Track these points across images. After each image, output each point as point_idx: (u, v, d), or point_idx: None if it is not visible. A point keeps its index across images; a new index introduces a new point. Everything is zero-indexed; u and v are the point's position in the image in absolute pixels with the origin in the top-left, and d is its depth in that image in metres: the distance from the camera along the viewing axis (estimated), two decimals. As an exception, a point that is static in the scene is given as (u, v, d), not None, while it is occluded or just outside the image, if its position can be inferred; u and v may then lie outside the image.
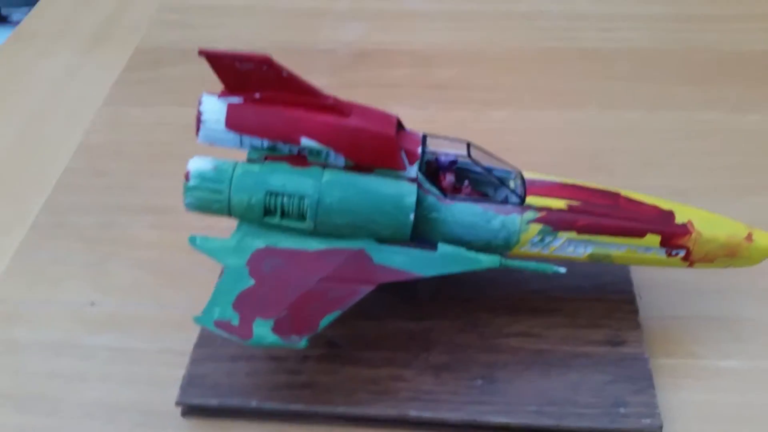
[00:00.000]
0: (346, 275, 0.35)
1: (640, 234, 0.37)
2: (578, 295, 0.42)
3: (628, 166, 0.52)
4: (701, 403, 0.38)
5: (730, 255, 0.38)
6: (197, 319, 0.34)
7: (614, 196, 0.38)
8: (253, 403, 0.37)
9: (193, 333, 0.40)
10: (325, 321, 0.33)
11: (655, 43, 0.64)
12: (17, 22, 1.01)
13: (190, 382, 0.38)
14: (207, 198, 0.35)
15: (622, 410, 0.36)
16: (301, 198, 0.35)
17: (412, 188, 0.35)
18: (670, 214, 0.37)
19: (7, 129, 0.58)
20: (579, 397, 0.37)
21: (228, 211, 0.36)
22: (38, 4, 0.74)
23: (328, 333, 0.39)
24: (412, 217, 0.35)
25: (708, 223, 0.37)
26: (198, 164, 0.35)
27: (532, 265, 0.37)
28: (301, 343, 0.33)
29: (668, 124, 0.56)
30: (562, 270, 0.37)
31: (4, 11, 1.62)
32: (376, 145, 0.35)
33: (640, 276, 0.43)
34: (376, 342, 0.39)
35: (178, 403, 0.37)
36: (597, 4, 0.69)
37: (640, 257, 0.38)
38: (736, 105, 0.57)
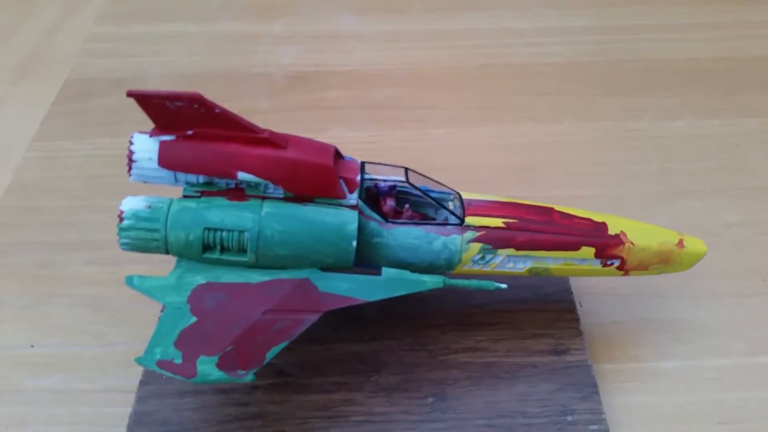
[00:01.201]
0: (291, 305, 0.35)
1: (575, 247, 0.38)
2: (521, 306, 0.43)
3: (561, 177, 0.53)
4: (646, 405, 0.40)
5: (663, 262, 0.39)
6: (139, 360, 0.34)
7: (549, 212, 0.39)
8: None
9: (137, 370, 0.39)
10: (271, 353, 0.33)
11: (581, 55, 0.66)
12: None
13: (137, 420, 0.37)
14: (143, 237, 0.35)
15: (569, 418, 0.37)
16: (241, 232, 0.35)
17: (353, 215, 0.35)
18: (603, 226, 0.39)
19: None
20: (527, 408, 0.38)
21: (165, 249, 0.35)
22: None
23: (277, 361, 0.39)
24: (354, 244, 0.35)
25: (640, 232, 0.39)
26: (131, 204, 0.35)
27: (474, 283, 0.37)
28: (248, 377, 0.33)
29: (597, 135, 0.57)
30: (504, 286, 0.38)
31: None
32: (314, 176, 0.35)
33: (579, 285, 0.45)
34: (326, 367, 0.39)
35: (126, 444, 0.37)
36: (524, 19, 0.71)
37: (577, 269, 0.39)
38: (660, 113, 0.59)
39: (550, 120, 0.59)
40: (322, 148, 0.36)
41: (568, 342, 0.41)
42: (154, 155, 0.35)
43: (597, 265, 0.39)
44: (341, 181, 0.36)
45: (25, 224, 0.51)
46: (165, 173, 0.35)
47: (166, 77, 0.64)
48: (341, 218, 0.35)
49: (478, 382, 0.39)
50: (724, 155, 0.55)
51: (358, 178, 0.36)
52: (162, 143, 0.34)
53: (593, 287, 0.45)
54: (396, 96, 0.62)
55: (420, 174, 0.39)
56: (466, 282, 0.37)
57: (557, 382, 0.39)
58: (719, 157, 0.55)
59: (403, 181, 0.38)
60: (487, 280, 0.38)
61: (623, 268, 0.39)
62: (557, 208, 0.39)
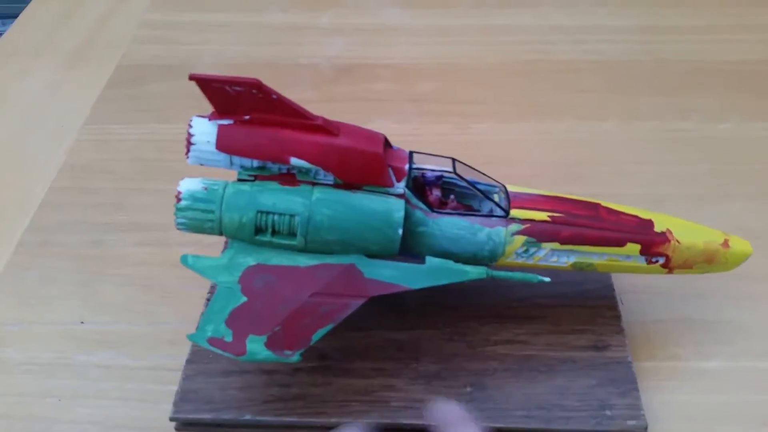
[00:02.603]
0: (337, 289, 0.35)
1: (621, 243, 0.38)
2: (562, 302, 0.43)
3: (605, 176, 0.53)
4: (684, 404, 0.40)
5: (707, 261, 0.39)
6: (191, 337, 0.35)
7: (595, 207, 0.39)
8: (247, 417, 0.37)
9: (184, 349, 0.40)
10: (317, 335, 0.34)
11: (628, 54, 0.66)
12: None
13: (183, 398, 0.38)
14: (198, 218, 0.36)
15: (608, 413, 0.37)
16: (292, 216, 0.35)
17: (400, 204, 0.36)
18: (649, 223, 0.39)
19: (-11, 148, 0.58)
20: (566, 401, 0.38)
21: (219, 230, 0.36)
22: (17, 21, 0.74)
23: (319, 345, 0.39)
24: (400, 231, 0.36)
25: (686, 231, 0.39)
26: (189, 185, 0.36)
27: (517, 275, 0.38)
28: (294, 357, 0.33)
29: (643, 134, 0.57)
30: (547, 279, 0.38)
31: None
32: (364, 164, 0.36)
33: (621, 282, 0.44)
34: (367, 353, 0.40)
35: (172, 419, 0.38)
36: (571, 17, 0.71)
37: (621, 265, 0.39)
38: (707, 114, 0.59)
39: (595, 117, 0.59)
40: (372, 136, 0.37)
41: (609, 338, 0.41)
42: (213, 138, 0.35)
43: (642, 262, 0.39)
44: (389, 169, 0.36)
45: (77, 204, 0.52)
46: (222, 157, 0.36)
47: (215, 66, 0.66)
48: (388, 206, 0.36)
49: (517, 374, 0.39)
50: (770, 158, 0.55)
51: (406, 167, 0.37)
52: (220, 127, 0.35)
53: (635, 285, 0.45)
54: (440, 90, 0.62)
55: (467, 165, 0.39)
56: (509, 274, 0.37)
57: (596, 378, 0.39)
58: (765, 160, 0.54)
59: (450, 172, 0.38)
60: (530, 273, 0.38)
61: (668, 266, 0.39)
62: (603, 203, 0.39)
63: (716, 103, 0.60)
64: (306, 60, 0.66)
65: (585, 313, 0.42)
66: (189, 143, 0.36)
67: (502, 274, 0.37)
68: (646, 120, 0.58)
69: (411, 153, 0.38)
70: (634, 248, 0.38)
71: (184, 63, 0.66)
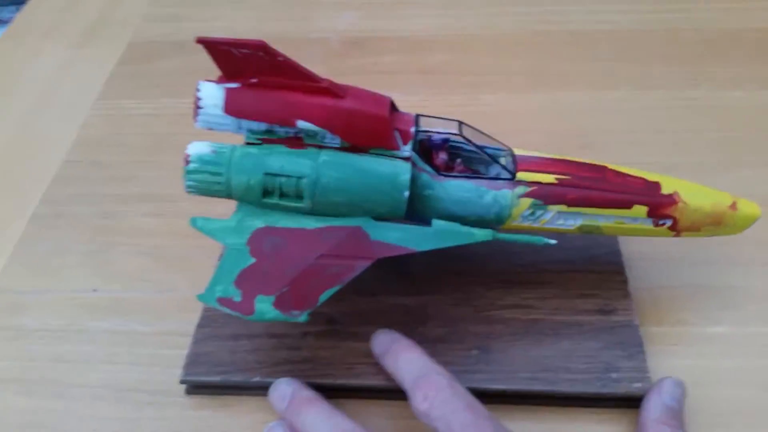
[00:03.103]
0: (344, 251, 0.36)
1: (628, 205, 0.38)
2: (569, 267, 0.43)
3: (616, 144, 0.53)
4: (693, 368, 0.40)
5: (715, 223, 0.39)
6: (201, 297, 0.35)
7: (602, 170, 0.39)
8: (256, 379, 0.38)
9: (194, 315, 0.41)
10: (324, 296, 0.34)
11: (639, 24, 0.65)
12: (4, 21, 1.02)
13: (193, 360, 0.39)
14: (207, 180, 0.36)
15: (613, 375, 0.38)
16: (299, 178, 0.36)
17: (407, 166, 0.36)
18: (656, 185, 0.38)
19: (5, 124, 0.59)
20: (571, 364, 0.38)
21: (227, 192, 0.37)
22: (29, 3, 0.75)
23: (327, 310, 0.40)
24: (406, 194, 0.36)
25: (693, 193, 0.38)
26: (197, 148, 0.36)
27: (524, 237, 0.37)
28: (302, 317, 0.34)
29: (654, 102, 0.57)
30: (553, 242, 0.37)
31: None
32: (370, 126, 0.36)
33: (629, 248, 0.44)
34: (374, 317, 0.40)
35: (182, 381, 0.38)
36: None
37: (628, 228, 0.39)
38: (719, 82, 0.58)
39: (606, 87, 0.58)
40: (378, 99, 0.37)
41: (615, 303, 0.41)
42: (220, 102, 0.36)
43: (649, 224, 0.38)
44: (396, 132, 0.36)
45: (89, 177, 0.53)
46: (230, 120, 0.36)
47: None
48: (394, 168, 0.36)
49: (523, 338, 0.40)
50: (782, 126, 0.54)
51: (413, 130, 0.37)
52: (228, 90, 0.36)
53: (643, 252, 0.45)
54: (449, 62, 0.62)
55: (473, 128, 0.39)
56: (515, 236, 0.37)
57: (603, 341, 0.39)
58: (777, 128, 0.54)
59: (457, 134, 0.38)
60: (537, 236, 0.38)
61: (675, 229, 0.39)
62: (610, 166, 0.39)
63: (728, 72, 0.59)
64: (316, 34, 0.66)
65: (592, 278, 0.42)
66: (197, 107, 0.36)
67: (509, 236, 0.37)
68: (657, 89, 0.58)
69: (417, 116, 0.38)
70: (641, 210, 0.38)
71: (193, 39, 0.66)
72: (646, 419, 0.36)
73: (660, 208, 0.38)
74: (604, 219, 0.38)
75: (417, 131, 0.37)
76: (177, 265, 0.46)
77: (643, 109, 0.56)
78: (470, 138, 0.38)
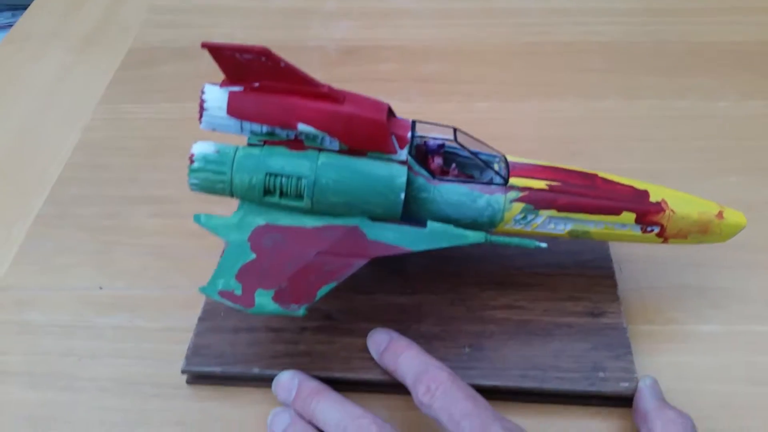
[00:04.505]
0: (341, 249, 0.37)
1: (616, 212, 0.39)
2: (560, 271, 0.44)
3: (604, 152, 0.55)
4: (680, 364, 0.41)
5: (702, 231, 0.40)
6: (203, 289, 0.36)
7: (591, 177, 0.40)
8: (255, 370, 0.39)
9: (196, 311, 0.42)
10: (321, 291, 0.36)
11: (628, 36, 0.67)
12: (2, 26, 1.03)
13: (194, 352, 0.40)
14: (210, 179, 0.38)
15: (601, 374, 0.39)
16: (299, 179, 0.37)
17: (403, 170, 0.37)
18: (644, 194, 0.40)
19: (7, 127, 0.60)
20: (561, 363, 0.39)
21: (230, 191, 0.38)
22: (30, 7, 0.76)
23: (324, 306, 0.41)
24: (402, 196, 0.37)
25: (681, 201, 0.40)
26: (201, 148, 0.38)
27: (515, 240, 0.39)
28: (300, 311, 0.35)
29: (642, 112, 0.58)
30: (544, 245, 0.39)
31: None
32: (368, 130, 0.37)
33: (620, 250, 0.46)
34: (370, 315, 0.42)
35: (183, 371, 0.40)
36: (572, 0, 0.72)
37: (616, 233, 0.40)
38: (704, 93, 0.60)
39: (596, 96, 0.60)
40: (376, 105, 0.38)
41: (605, 306, 0.42)
42: (224, 104, 0.37)
43: (637, 230, 0.40)
44: (393, 137, 0.38)
45: (92, 179, 0.54)
46: (232, 122, 0.38)
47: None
48: (391, 171, 0.37)
49: (514, 337, 0.41)
50: (766, 134, 0.56)
51: (409, 135, 0.38)
52: (231, 93, 0.37)
53: (632, 254, 0.46)
54: (444, 71, 0.64)
55: (468, 135, 0.41)
56: (507, 239, 0.39)
57: (591, 342, 0.40)
58: (761, 137, 0.56)
59: (452, 140, 0.39)
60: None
61: (662, 236, 0.40)
62: (600, 174, 0.40)
63: (713, 83, 0.61)
64: (313, 42, 0.68)
65: (582, 281, 0.44)
66: (201, 109, 0.37)
67: (501, 239, 0.38)
68: (645, 99, 0.60)
69: (414, 122, 0.39)
70: (629, 217, 0.39)
71: (193, 45, 0.66)
72: (645, 410, 0.37)
73: (648, 215, 0.39)
74: (593, 224, 0.39)
75: (413, 136, 0.39)
76: (179, 264, 0.47)
77: (631, 118, 0.58)
78: (465, 144, 0.40)
